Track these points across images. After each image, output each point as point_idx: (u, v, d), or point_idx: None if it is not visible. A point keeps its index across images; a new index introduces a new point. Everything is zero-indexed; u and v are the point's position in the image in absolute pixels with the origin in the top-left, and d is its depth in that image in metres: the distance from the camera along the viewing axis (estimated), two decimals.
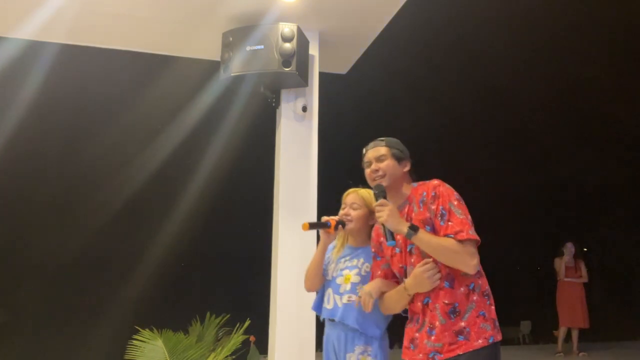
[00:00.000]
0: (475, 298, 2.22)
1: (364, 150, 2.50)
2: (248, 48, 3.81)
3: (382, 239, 2.44)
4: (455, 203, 2.25)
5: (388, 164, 2.38)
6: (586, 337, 8.39)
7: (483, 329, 2.20)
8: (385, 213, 2.23)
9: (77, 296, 14.65)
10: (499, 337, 2.24)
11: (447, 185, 2.31)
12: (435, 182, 2.33)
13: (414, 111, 13.92)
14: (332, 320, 2.64)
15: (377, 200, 2.31)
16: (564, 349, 7.83)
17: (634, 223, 16.04)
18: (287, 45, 3.75)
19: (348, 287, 2.60)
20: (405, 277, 2.34)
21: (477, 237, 2.21)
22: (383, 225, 2.26)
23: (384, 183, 2.36)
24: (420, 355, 2.25)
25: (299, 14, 3.94)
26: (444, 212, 2.23)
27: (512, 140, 15.75)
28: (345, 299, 2.59)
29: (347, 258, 2.68)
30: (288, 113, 4.06)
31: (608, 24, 10.93)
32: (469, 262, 2.18)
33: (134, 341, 4.12)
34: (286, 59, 3.75)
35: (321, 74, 4.25)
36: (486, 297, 2.25)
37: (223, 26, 3.99)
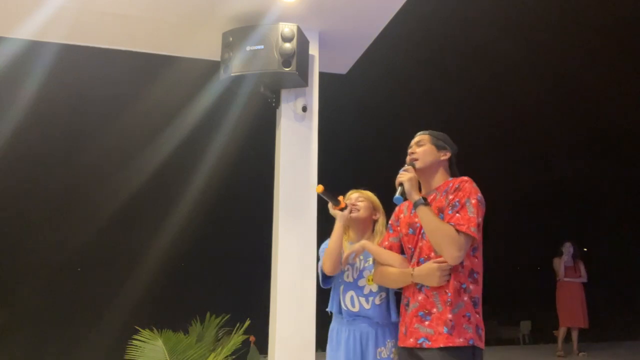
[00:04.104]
0: (465, 299, 2.24)
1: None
2: (248, 48, 3.80)
3: (402, 215, 2.52)
4: (473, 202, 2.26)
5: (425, 149, 2.47)
6: (586, 337, 8.39)
7: (465, 329, 2.21)
8: (407, 175, 2.36)
9: (78, 296, 14.66)
10: (481, 345, 2.24)
11: (474, 185, 2.33)
12: (465, 178, 2.37)
13: (413, 111, 13.92)
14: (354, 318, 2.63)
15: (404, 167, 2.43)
16: (564, 349, 7.83)
17: (633, 223, 16.04)
18: (287, 45, 3.74)
19: (374, 287, 2.59)
20: (412, 259, 2.38)
21: (475, 235, 2.22)
22: (401, 184, 2.35)
23: (417, 165, 2.44)
24: (411, 339, 2.26)
25: (299, 14, 3.94)
26: (457, 204, 2.26)
27: (512, 140, 15.76)
28: (377, 299, 2.58)
29: (362, 257, 2.66)
30: (288, 113, 4.05)
31: (609, 24, 10.93)
32: (454, 252, 2.19)
33: (134, 341, 4.12)
34: (286, 59, 3.74)
35: (321, 74, 4.24)
36: (473, 303, 2.26)
37: (223, 26, 3.99)
